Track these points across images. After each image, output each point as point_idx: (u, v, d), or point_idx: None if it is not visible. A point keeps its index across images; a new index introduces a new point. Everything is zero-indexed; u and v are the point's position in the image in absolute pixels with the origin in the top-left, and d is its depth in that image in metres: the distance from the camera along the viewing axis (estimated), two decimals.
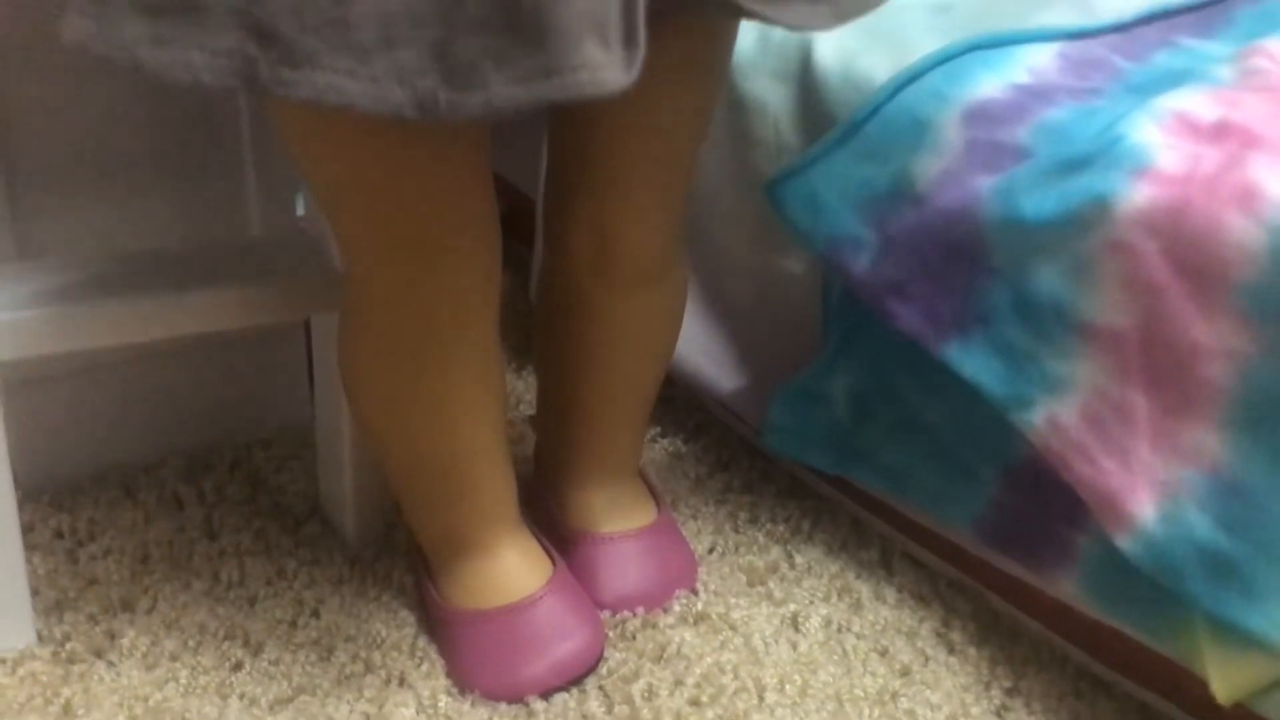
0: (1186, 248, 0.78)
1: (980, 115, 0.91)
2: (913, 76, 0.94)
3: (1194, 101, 0.86)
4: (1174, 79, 0.93)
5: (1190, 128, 0.84)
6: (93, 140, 0.99)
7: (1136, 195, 0.80)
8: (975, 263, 0.88)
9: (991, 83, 0.93)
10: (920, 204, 0.91)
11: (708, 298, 1.17)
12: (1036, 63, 0.95)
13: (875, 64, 0.99)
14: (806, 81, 1.02)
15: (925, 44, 1.01)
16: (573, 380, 0.98)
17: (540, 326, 0.99)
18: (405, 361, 0.83)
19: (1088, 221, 0.82)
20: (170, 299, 0.89)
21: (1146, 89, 0.92)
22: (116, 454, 1.12)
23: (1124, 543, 0.83)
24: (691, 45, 0.80)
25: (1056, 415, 0.85)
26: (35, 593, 0.96)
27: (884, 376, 1.01)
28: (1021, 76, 0.94)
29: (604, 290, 0.91)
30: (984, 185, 0.88)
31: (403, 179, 0.74)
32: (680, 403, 1.26)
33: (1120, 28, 1.01)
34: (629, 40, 0.63)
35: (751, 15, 0.70)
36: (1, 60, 0.93)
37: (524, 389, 1.30)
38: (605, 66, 0.61)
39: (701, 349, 1.17)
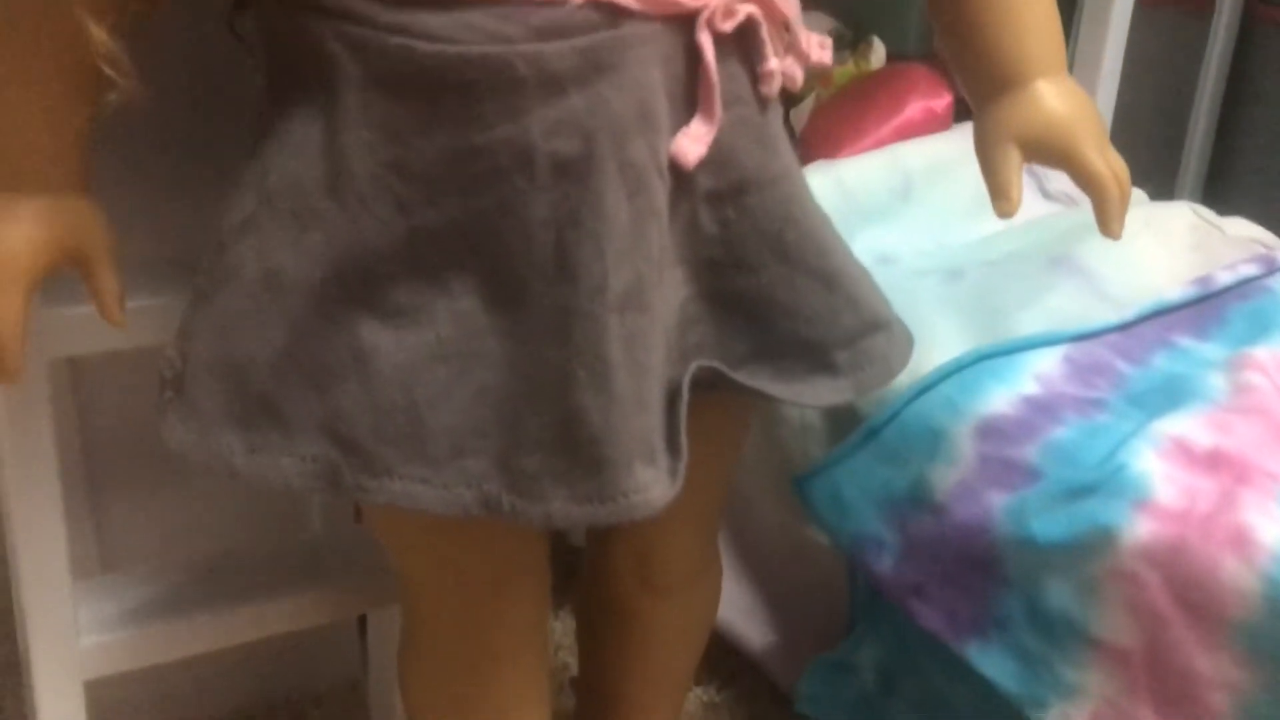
0: (1185, 584, 0.84)
1: (991, 431, 0.97)
2: (926, 386, 1.01)
3: (1190, 426, 0.92)
4: (1172, 389, 1.00)
5: (1187, 455, 0.90)
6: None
7: (1138, 528, 0.86)
8: (991, 573, 0.94)
9: (1002, 395, 0.99)
10: (938, 513, 0.98)
11: (742, 555, 1.23)
12: (1043, 369, 1.02)
13: None
14: None
15: (938, 323, 1.08)
16: (612, 670, 1.03)
17: (582, 621, 1.05)
18: (460, 681, 0.89)
19: (1094, 548, 0.88)
20: (243, 610, 0.95)
21: (1146, 401, 0.99)
22: (179, 712, 1.18)
23: None
24: (723, 413, 0.87)
25: (1070, 719, 0.91)
26: None
27: (909, 654, 1.07)
28: (1030, 386, 1.00)
29: (643, 595, 0.96)
30: (997, 503, 0.94)
31: (466, 546, 0.81)
32: (715, 648, 1.31)
33: (1122, 327, 1.08)
34: (672, 449, 0.70)
35: (777, 399, 0.77)
36: (85, 383, 1.01)
37: (562, 632, 1.35)
38: (653, 485, 0.68)
39: (735, 604, 1.23)
